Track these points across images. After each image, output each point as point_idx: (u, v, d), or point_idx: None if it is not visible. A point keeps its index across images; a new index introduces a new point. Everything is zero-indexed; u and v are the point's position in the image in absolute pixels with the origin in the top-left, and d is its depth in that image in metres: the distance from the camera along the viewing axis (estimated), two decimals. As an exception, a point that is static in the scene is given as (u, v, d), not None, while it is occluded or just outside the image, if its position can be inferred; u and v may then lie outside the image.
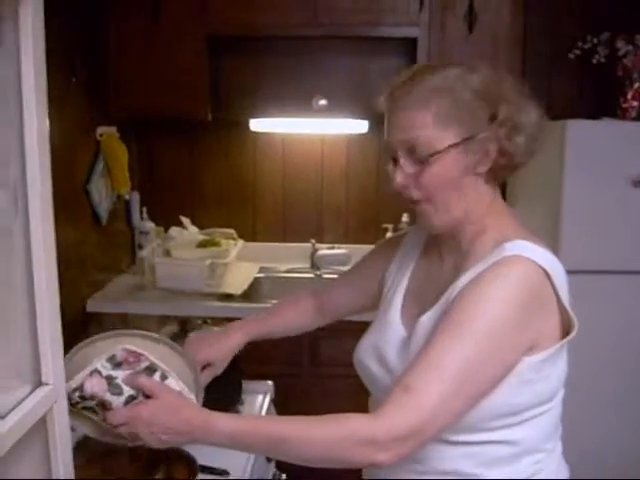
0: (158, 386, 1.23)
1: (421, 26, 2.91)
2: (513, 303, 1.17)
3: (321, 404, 2.84)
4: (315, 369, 2.89)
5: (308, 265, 3.41)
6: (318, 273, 3.35)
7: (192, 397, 1.28)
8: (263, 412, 1.91)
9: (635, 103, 2.97)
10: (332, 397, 2.76)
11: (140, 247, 3.29)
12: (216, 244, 3.20)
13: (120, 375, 1.23)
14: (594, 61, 3.08)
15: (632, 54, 2.95)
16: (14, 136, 0.86)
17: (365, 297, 1.62)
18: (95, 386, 1.21)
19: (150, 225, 3.34)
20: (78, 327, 2.65)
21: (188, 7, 2.88)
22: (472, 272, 1.23)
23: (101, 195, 2.95)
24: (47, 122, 0.92)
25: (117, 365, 1.25)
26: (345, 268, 3.26)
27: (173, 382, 1.26)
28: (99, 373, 1.23)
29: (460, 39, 2.92)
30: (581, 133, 2.72)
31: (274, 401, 2.04)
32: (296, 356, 2.88)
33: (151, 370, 1.26)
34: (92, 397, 1.22)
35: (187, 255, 3.06)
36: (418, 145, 1.23)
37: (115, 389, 1.22)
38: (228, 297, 2.91)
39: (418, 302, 1.37)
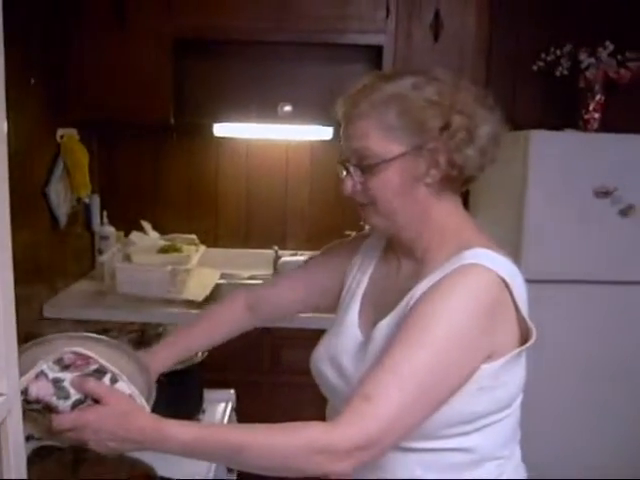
0: (107, 390, 1.18)
1: (387, 34, 2.92)
2: (471, 312, 1.16)
3: (283, 412, 2.82)
4: (276, 377, 2.86)
5: (270, 272, 3.38)
6: (281, 280, 3.33)
7: (143, 401, 1.23)
8: (225, 421, 1.88)
9: (597, 115, 3.02)
10: (294, 405, 2.74)
11: (100, 252, 3.23)
12: (177, 250, 3.15)
13: (68, 377, 1.18)
14: (557, 73, 3.11)
15: (594, 67, 2.99)
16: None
17: (320, 296, 1.58)
18: (41, 390, 1.15)
19: (110, 229, 3.29)
20: (34, 333, 2.58)
21: (154, 8, 2.84)
22: (430, 279, 1.23)
23: (60, 198, 2.89)
24: (5, 125, 0.88)
25: (65, 367, 1.19)
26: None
27: (124, 385, 1.21)
28: (45, 376, 1.17)
29: (426, 48, 2.93)
30: (544, 143, 2.75)
31: (236, 409, 2.01)
32: (257, 363, 2.85)
33: (100, 373, 1.20)
34: (37, 401, 1.16)
35: (148, 260, 3.01)
36: (366, 155, 1.25)
37: (62, 392, 1.16)
38: (189, 303, 2.86)
39: (376, 307, 1.36)
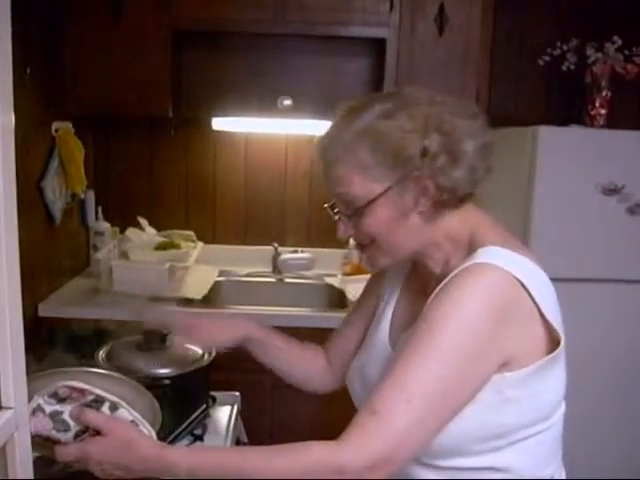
0: (107, 421, 1.14)
1: (391, 27, 2.86)
2: (480, 316, 1.09)
3: (285, 414, 2.78)
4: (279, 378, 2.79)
5: (269, 269, 3.31)
6: (280, 277, 3.27)
7: (147, 425, 1.19)
8: (231, 424, 1.81)
9: (603, 111, 2.97)
10: (295, 407, 2.69)
11: (95, 248, 3.15)
12: (175, 246, 3.09)
13: (66, 409, 1.14)
14: (563, 68, 3.06)
15: (601, 62, 2.95)
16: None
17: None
18: (38, 425, 1.11)
19: (106, 225, 3.21)
20: (29, 332, 2.51)
21: (152, 0, 2.76)
22: (442, 283, 1.17)
23: (55, 193, 2.81)
24: (12, 117, 0.83)
25: (61, 400, 1.16)
26: (309, 273, 3.23)
27: (125, 412, 1.18)
28: (42, 410, 1.13)
29: (430, 41, 2.88)
30: (552, 139, 2.70)
31: (240, 412, 1.96)
32: (259, 365, 2.79)
33: (98, 402, 1.17)
34: (38, 436, 1.12)
35: (145, 257, 2.94)
36: (349, 200, 1.21)
37: (61, 425, 1.13)
38: (188, 301, 2.80)
39: (405, 321, 1.33)
